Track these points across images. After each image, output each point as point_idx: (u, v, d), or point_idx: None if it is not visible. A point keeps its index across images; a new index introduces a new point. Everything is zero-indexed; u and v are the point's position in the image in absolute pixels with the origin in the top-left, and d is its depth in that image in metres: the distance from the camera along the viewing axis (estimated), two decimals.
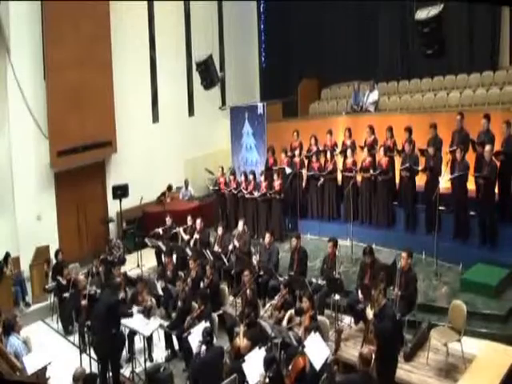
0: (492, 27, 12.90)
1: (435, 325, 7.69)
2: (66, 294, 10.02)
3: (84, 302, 8.92)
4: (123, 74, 13.61)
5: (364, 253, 8.50)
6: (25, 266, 11.31)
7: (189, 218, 11.74)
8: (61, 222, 12.64)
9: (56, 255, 10.96)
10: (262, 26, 18.45)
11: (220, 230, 11.08)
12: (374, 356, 6.26)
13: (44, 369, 7.26)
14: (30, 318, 10.42)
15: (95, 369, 7.88)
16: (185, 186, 15.23)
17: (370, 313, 6.18)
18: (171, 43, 15.64)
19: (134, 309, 8.60)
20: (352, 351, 7.34)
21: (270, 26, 18.08)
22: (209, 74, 12.63)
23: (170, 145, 15.36)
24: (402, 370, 6.87)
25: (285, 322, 7.91)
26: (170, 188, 14.63)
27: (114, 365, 7.73)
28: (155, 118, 15.48)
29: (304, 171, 12.31)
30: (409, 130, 10.89)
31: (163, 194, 14.47)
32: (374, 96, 13.49)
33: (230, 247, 10.41)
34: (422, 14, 9.03)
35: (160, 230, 11.80)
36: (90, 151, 12.86)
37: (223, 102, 17.46)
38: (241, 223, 10.79)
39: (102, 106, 12.99)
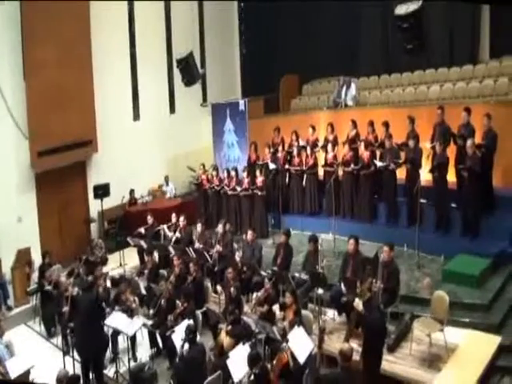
0: (471, 21, 12.97)
1: (418, 316, 7.73)
2: (49, 296, 9.91)
3: (66, 304, 8.84)
4: (103, 73, 13.46)
5: (349, 239, 8.53)
6: (6, 269, 11.12)
7: (173, 216, 11.69)
8: (42, 224, 12.45)
9: (44, 257, 10.83)
10: (243, 23, 18.34)
11: (199, 227, 11.04)
12: (360, 349, 6.30)
13: (27, 372, 7.19)
14: (12, 321, 10.31)
15: (78, 370, 7.79)
16: (165, 182, 15.18)
17: (359, 303, 6.15)
18: (152, 41, 15.52)
19: (117, 309, 8.55)
20: (336, 344, 7.33)
21: (251, 23, 17.99)
22: (189, 70, 12.58)
23: (152, 143, 15.27)
24: (386, 362, 6.87)
25: (278, 312, 7.94)
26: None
27: (98, 365, 7.67)
28: (136, 116, 15.36)
29: (287, 167, 12.29)
30: (386, 125, 10.94)
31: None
32: (352, 91, 13.55)
33: (214, 251, 10.36)
34: (401, 10, 9.08)
35: (142, 230, 11.72)
36: (71, 151, 12.70)
37: (204, 99, 17.38)
38: (220, 226, 10.67)
39: (82, 105, 12.84)
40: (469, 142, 9.32)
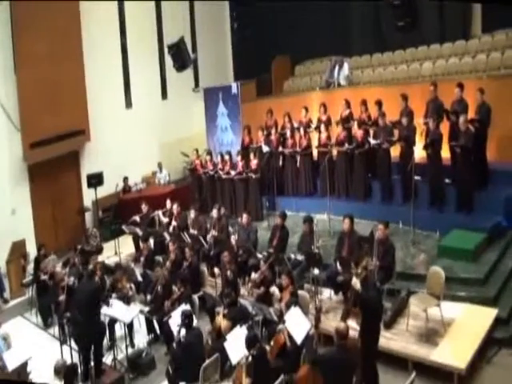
0: None
1: (414, 292, 7.74)
2: (45, 287, 9.89)
3: (62, 294, 8.83)
4: (95, 62, 13.41)
5: (344, 218, 8.50)
6: (1, 262, 11.10)
7: (168, 202, 11.66)
8: (36, 215, 12.48)
9: (39, 249, 10.79)
10: (234, 5, 18.17)
11: (192, 213, 11.01)
12: (357, 327, 6.29)
13: (25, 364, 7.19)
14: (8, 313, 10.33)
15: (76, 360, 7.79)
16: (159, 169, 15.15)
17: (357, 282, 6.12)
18: (142, 27, 15.42)
19: (113, 297, 8.54)
20: (332, 323, 7.31)
21: (241, 5, 17.81)
22: (181, 56, 12.50)
23: (145, 130, 15.22)
24: (383, 338, 6.84)
25: (277, 291, 7.96)
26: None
27: (96, 353, 7.66)
28: (128, 104, 15.32)
29: (280, 149, 12.22)
30: (379, 104, 10.87)
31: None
32: (344, 71, 13.46)
33: (209, 236, 10.33)
34: None
35: (137, 218, 11.68)
36: (64, 141, 12.67)
37: (196, 84, 17.31)
38: (215, 211, 10.64)
39: (73, 94, 12.78)
40: (461, 119, 9.25)
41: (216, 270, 9.26)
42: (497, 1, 9.62)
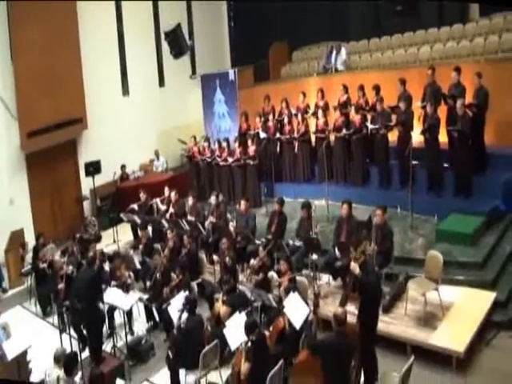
0: None
1: (412, 276, 7.75)
2: (43, 276, 9.90)
3: (61, 282, 8.83)
4: (91, 50, 13.33)
5: (342, 204, 8.49)
6: None
7: (166, 189, 11.65)
8: (34, 204, 12.46)
9: (37, 238, 10.80)
10: None
11: (190, 200, 10.98)
12: (356, 312, 6.29)
13: (24, 353, 7.19)
14: (7, 303, 10.37)
15: (76, 348, 7.79)
16: (156, 157, 15.12)
17: (355, 267, 6.11)
18: (139, 14, 15.31)
19: (113, 284, 8.55)
20: (331, 308, 7.34)
21: None
22: (178, 42, 12.44)
23: (142, 117, 15.17)
24: (381, 322, 6.85)
25: (275, 276, 7.96)
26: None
27: (96, 341, 7.68)
28: (125, 92, 15.27)
29: (278, 136, 12.17)
30: (376, 88, 10.81)
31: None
32: (342, 56, 13.41)
33: (207, 223, 10.32)
34: None
35: (135, 206, 11.67)
36: (61, 130, 12.65)
37: (193, 71, 17.21)
38: (213, 197, 10.66)
39: (70, 83, 12.73)
40: (458, 103, 9.19)
41: (215, 257, 9.25)
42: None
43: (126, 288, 8.49)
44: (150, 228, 10.88)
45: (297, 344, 6.55)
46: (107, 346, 8.01)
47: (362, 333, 6.08)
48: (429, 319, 7.12)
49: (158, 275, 8.67)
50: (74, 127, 13.11)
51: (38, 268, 10.00)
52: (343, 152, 11.22)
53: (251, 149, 11.96)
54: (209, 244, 10.03)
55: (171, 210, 11.16)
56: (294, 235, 9.18)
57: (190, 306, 6.96)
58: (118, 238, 11.63)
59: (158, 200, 11.54)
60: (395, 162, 10.51)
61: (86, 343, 7.93)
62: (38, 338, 8.30)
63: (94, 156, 12.93)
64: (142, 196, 11.79)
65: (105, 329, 8.22)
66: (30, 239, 11.49)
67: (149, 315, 8.71)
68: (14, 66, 11.51)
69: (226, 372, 6.77)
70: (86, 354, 7.70)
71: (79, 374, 6.33)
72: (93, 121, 13.50)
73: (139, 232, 10.69)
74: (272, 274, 8.26)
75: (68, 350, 7.08)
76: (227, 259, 8.51)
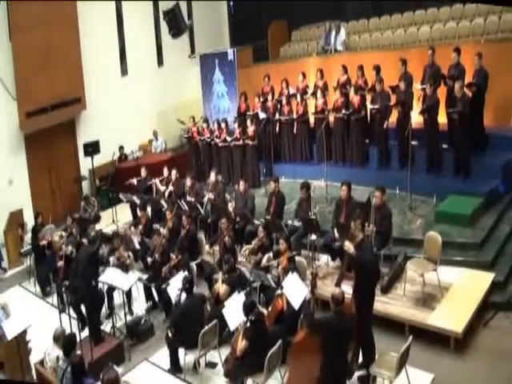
0: None
1: (411, 257, 7.77)
2: (43, 256, 9.92)
3: (61, 262, 8.86)
4: (90, 29, 13.20)
5: (341, 185, 8.47)
6: None
7: (165, 169, 11.64)
8: (33, 185, 12.43)
9: (36, 218, 10.81)
10: None
11: (188, 181, 10.95)
12: (351, 290, 6.30)
13: (24, 332, 7.22)
14: (7, 283, 10.42)
15: (75, 328, 7.84)
16: (154, 137, 15.06)
17: (350, 246, 6.11)
18: None
19: (112, 264, 8.58)
20: (329, 288, 7.36)
21: None
22: (176, 22, 12.36)
23: (141, 97, 15.06)
24: (379, 303, 6.93)
25: (264, 260, 7.95)
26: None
27: (95, 321, 7.71)
28: (124, 71, 15.11)
29: (277, 116, 12.11)
30: (377, 69, 10.72)
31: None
32: (341, 36, 13.30)
33: (205, 199, 10.32)
34: None
35: (135, 181, 11.69)
36: (60, 110, 12.59)
37: (192, 51, 17.03)
38: (213, 174, 10.67)
39: (69, 62, 12.64)
40: (457, 85, 9.13)
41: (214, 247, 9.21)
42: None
43: (125, 268, 8.50)
44: (149, 208, 10.86)
45: (295, 324, 6.58)
46: (107, 326, 8.05)
47: (358, 312, 6.10)
48: (427, 300, 7.16)
49: (157, 255, 8.69)
50: (72, 107, 13.06)
51: (38, 248, 10.01)
52: (342, 132, 11.18)
53: (250, 129, 11.89)
54: (208, 224, 10.03)
55: (170, 187, 11.16)
56: (294, 216, 9.17)
57: (187, 285, 6.99)
58: (116, 219, 11.63)
59: (157, 180, 11.52)
60: (394, 143, 10.47)
61: (86, 323, 7.98)
62: (37, 317, 8.31)
63: (93, 136, 12.82)
64: (143, 172, 11.82)
65: (104, 309, 8.27)
66: (29, 219, 11.51)
67: (148, 295, 8.74)
68: (12, 46, 11.40)
69: (225, 351, 6.83)
70: (85, 333, 7.72)
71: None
72: (91, 101, 13.41)
73: (138, 212, 10.68)
74: (269, 255, 8.25)
75: (67, 330, 7.13)
76: (226, 239, 8.52)
